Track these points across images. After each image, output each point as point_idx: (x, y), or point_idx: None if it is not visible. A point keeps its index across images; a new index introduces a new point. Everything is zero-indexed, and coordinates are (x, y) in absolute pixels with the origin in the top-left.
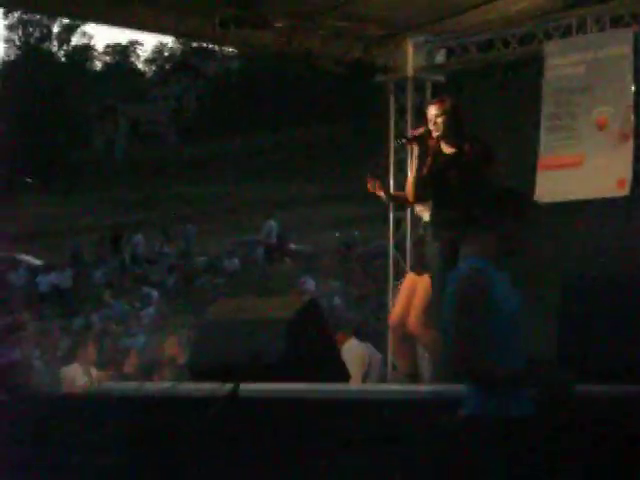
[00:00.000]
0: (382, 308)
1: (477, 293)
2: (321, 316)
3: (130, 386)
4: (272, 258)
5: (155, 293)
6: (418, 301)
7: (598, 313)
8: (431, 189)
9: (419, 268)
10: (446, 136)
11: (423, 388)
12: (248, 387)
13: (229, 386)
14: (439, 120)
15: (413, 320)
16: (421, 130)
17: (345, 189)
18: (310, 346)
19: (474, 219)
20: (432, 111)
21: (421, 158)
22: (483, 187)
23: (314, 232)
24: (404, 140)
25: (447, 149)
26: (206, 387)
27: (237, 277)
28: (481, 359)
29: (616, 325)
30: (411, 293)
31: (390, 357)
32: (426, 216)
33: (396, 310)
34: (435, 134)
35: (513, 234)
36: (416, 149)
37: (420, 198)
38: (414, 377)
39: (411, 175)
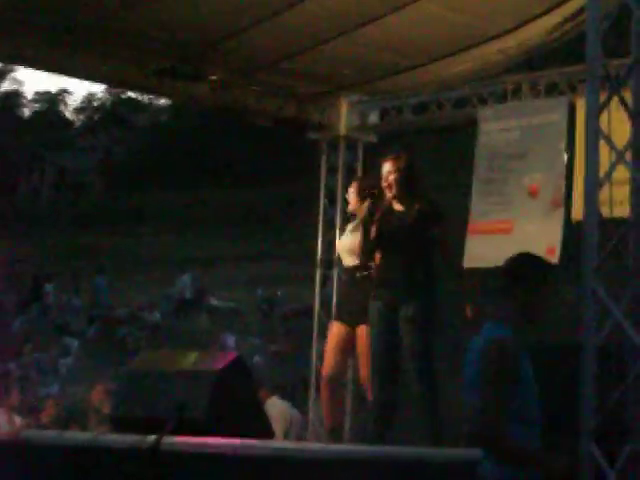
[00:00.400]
0: (303, 366)
1: (511, 362)
2: (247, 371)
3: (50, 435)
4: (188, 313)
5: (75, 343)
6: (365, 357)
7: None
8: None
9: (352, 317)
10: (399, 194)
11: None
12: (171, 440)
13: (151, 438)
14: (391, 178)
15: (364, 372)
16: (373, 190)
17: (267, 248)
18: (236, 400)
19: (498, 286)
20: (386, 167)
21: (371, 217)
22: (430, 248)
23: (235, 289)
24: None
25: (398, 207)
26: (128, 439)
27: (158, 330)
28: (506, 430)
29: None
30: (344, 345)
31: (311, 415)
32: (347, 260)
33: (329, 362)
34: (388, 192)
35: (537, 302)
36: (365, 207)
37: (372, 258)
38: (338, 432)
39: (360, 240)
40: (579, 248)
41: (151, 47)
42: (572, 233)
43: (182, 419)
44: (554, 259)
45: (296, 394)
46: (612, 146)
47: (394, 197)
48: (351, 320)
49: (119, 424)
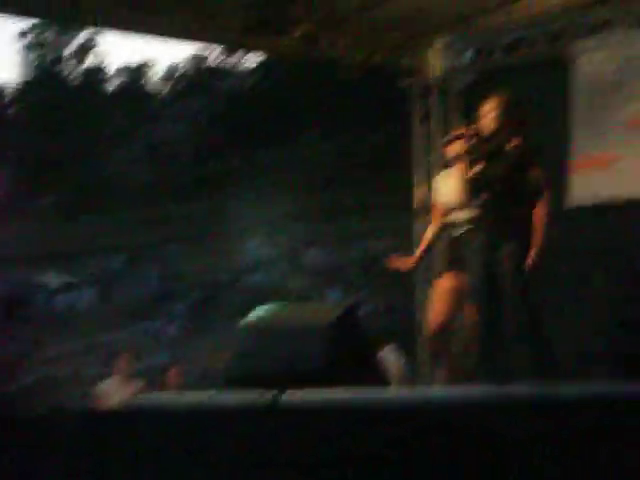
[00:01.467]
0: (410, 318)
1: None
2: (360, 322)
3: (163, 398)
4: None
5: (181, 307)
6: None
7: None
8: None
9: (456, 269)
10: (498, 134)
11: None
12: (290, 394)
13: (269, 394)
14: (490, 116)
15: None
16: (462, 132)
17: (360, 201)
18: (351, 352)
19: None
20: (486, 108)
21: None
22: (526, 188)
23: (336, 245)
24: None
25: (497, 146)
26: (246, 396)
27: (262, 291)
28: None
29: None
30: (444, 296)
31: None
32: (461, 215)
33: (434, 320)
34: (486, 130)
35: None
36: (461, 148)
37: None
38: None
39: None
40: None
41: (237, 3)
42: None
43: (299, 372)
44: None
45: (405, 343)
46: None
47: (492, 136)
48: (462, 267)
49: (236, 381)
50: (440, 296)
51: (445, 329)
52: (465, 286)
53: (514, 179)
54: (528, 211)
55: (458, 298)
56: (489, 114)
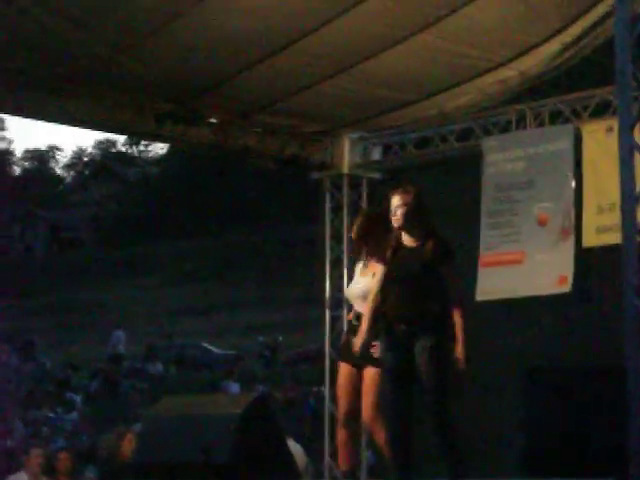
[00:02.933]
0: (311, 411)
1: None
2: (271, 411)
3: None
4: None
5: (78, 398)
6: (369, 397)
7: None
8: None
9: (356, 360)
10: (408, 228)
11: None
12: None
13: None
14: (399, 212)
15: (369, 415)
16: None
17: (266, 294)
18: (261, 441)
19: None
20: (395, 201)
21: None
22: (443, 282)
23: (234, 336)
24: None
25: (408, 241)
26: None
27: (161, 382)
28: None
29: (579, 415)
30: (353, 386)
31: (326, 459)
32: (360, 307)
33: (343, 405)
34: (396, 225)
35: None
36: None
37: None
38: (354, 474)
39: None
40: (589, 275)
41: (149, 92)
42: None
43: (207, 463)
44: (566, 288)
45: (305, 439)
46: None
47: (403, 230)
48: (358, 361)
49: (144, 469)
50: (343, 387)
51: (349, 417)
52: (360, 377)
53: (427, 274)
54: (440, 306)
55: (356, 386)
56: (397, 209)
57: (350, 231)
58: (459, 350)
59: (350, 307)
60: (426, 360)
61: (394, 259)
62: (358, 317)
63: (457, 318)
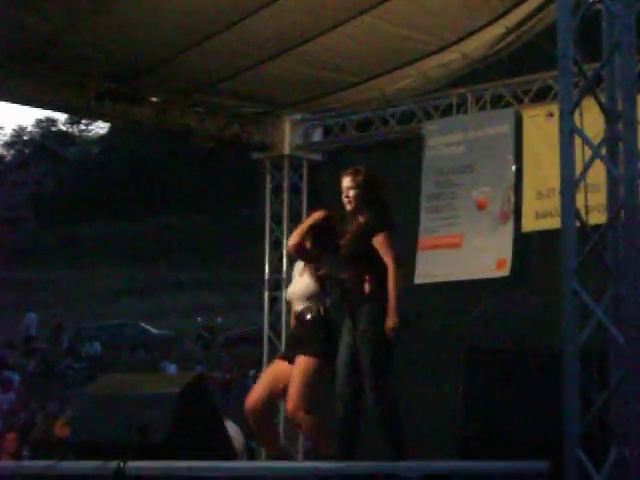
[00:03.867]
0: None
1: None
2: (208, 391)
3: (8, 465)
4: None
5: (16, 377)
6: (296, 385)
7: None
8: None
9: (294, 351)
10: (359, 209)
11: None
12: (134, 465)
13: (114, 464)
14: (351, 193)
15: (292, 404)
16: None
17: (203, 276)
18: (198, 421)
19: None
20: (345, 183)
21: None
22: (379, 257)
23: (173, 318)
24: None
25: (360, 219)
26: (90, 465)
27: (99, 362)
28: None
29: (517, 397)
30: (273, 380)
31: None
32: (299, 306)
33: (252, 395)
34: (349, 207)
35: None
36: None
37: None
38: (278, 459)
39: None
40: (529, 260)
41: (90, 71)
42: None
43: (144, 442)
44: (505, 272)
45: (243, 421)
46: (587, 142)
47: (356, 212)
48: (292, 356)
49: (80, 450)
50: (263, 377)
51: (253, 409)
52: (300, 371)
53: (360, 250)
54: (378, 281)
55: (275, 385)
56: (348, 190)
57: (290, 212)
58: (389, 320)
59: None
60: (364, 342)
61: (345, 241)
62: (297, 317)
63: (390, 283)
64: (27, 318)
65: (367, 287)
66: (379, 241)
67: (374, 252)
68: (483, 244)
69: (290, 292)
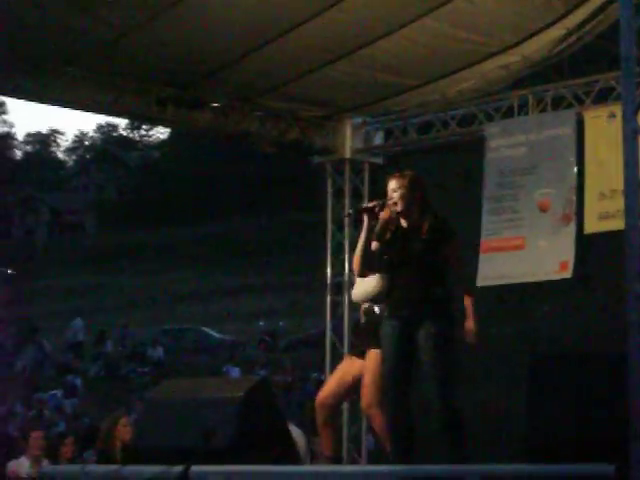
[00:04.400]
0: (308, 396)
1: None
2: (272, 395)
3: (72, 469)
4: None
5: (79, 381)
6: (369, 379)
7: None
8: (381, 263)
9: (364, 347)
10: (405, 211)
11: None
12: (199, 469)
13: (178, 468)
14: (396, 195)
15: (366, 398)
16: (373, 203)
17: (265, 280)
18: (262, 425)
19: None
20: (391, 185)
21: (370, 231)
22: (444, 264)
23: (235, 322)
24: (350, 212)
25: (405, 224)
26: (154, 470)
27: (161, 366)
28: None
29: (582, 402)
30: (344, 375)
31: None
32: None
33: (324, 389)
34: (393, 208)
35: None
36: (366, 221)
37: (364, 273)
38: (337, 460)
39: (359, 248)
40: (592, 262)
41: (152, 76)
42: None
43: (208, 447)
44: (567, 274)
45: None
46: None
47: (400, 214)
48: (363, 353)
49: (143, 455)
50: (334, 374)
51: (324, 404)
52: (359, 371)
53: (427, 255)
54: (442, 291)
55: (347, 380)
56: (393, 192)
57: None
58: (469, 324)
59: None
60: (430, 347)
61: (393, 242)
62: (366, 312)
63: (466, 300)
64: (75, 324)
65: (434, 291)
66: (451, 249)
67: (442, 259)
68: (546, 246)
69: (356, 292)
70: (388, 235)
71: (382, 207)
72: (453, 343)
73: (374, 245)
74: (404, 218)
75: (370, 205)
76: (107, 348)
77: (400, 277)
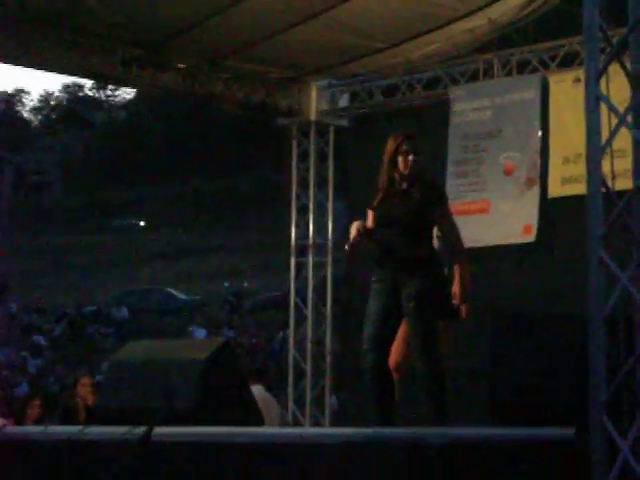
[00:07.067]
0: (275, 357)
1: None
2: (236, 358)
3: (34, 431)
4: None
5: (43, 342)
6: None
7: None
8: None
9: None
10: (410, 175)
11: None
12: (162, 431)
13: (141, 429)
14: (411, 158)
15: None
16: (355, 235)
17: (230, 240)
18: (225, 387)
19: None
20: (406, 145)
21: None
22: (428, 229)
23: (201, 283)
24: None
25: (401, 186)
26: (117, 431)
27: (126, 326)
28: None
29: (544, 364)
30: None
31: (291, 405)
32: None
33: (393, 352)
34: (406, 172)
35: None
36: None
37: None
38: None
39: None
40: (554, 225)
41: (117, 37)
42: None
43: (171, 408)
44: (531, 237)
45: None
46: (613, 109)
47: (409, 176)
48: None
49: (106, 415)
50: (399, 333)
51: (399, 362)
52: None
53: (415, 218)
54: (426, 251)
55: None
56: (409, 153)
57: (316, 177)
58: (455, 288)
59: None
60: (410, 308)
61: (384, 203)
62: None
63: (456, 266)
64: None
65: (422, 251)
66: (443, 214)
67: (432, 223)
68: (510, 209)
69: None
70: (381, 195)
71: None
72: (436, 305)
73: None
74: (405, 181)
75: (358, 238)
76: (122, 313)
77: (386, 238)
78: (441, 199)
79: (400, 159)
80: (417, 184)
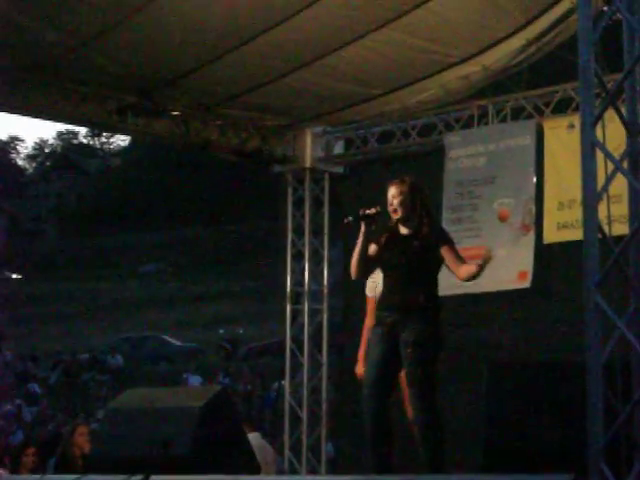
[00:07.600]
0: (271, 404)
1: None
2: (232, 405)
3: (32, 478)
4: None
5: (38, 389)
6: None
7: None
8: (376, 268)
9: None
10: (404, 218)
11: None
12: (159, 479)
13: (137, 478)
14: (396, 201)
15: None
16: (373, 210)
17: (225, 287)
18: (221, 434)
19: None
20: (391, 191)
21: (367, 237)
22: (435, 272)
23: (196, 330)
24: (350, 219)
25: (404, 230)
26: (114, 479)
27: (121, 374)
28: None
29: (541, 411)
30: None
31: (287, 453)
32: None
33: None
34: (394, 216)
35: None
36: (363, 227)
37: (362, 276)
38: None
39: (357, 253)
40: (550, 271)
41: (111, 84)
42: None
43: (167, 456)
44: (526, 283)
45: (267, 432)
46: (609, 156)
47: (400, 221)
48: None
49: (102, 463)
50: None
51: None
52: None
53: (416, 263)
54: (427, 298)
55: None
56: (393, 198)
57: (311, 225)
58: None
59: None
60: (408, 355)
61: (388, 247)
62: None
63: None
64: None
65: (418, 298)
66: (447, 252)
67: (434, 265)
68: (505, 256)
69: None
70: (384, 240)
71: (379, 214)
72: (435, 352)
73: (372, 249)
74: (403, 225)
75: (369, 212)
76: (117, 360)
77: (387, 282)
78: (438, 239)
79: (389, 207)
80: (424, 228)
